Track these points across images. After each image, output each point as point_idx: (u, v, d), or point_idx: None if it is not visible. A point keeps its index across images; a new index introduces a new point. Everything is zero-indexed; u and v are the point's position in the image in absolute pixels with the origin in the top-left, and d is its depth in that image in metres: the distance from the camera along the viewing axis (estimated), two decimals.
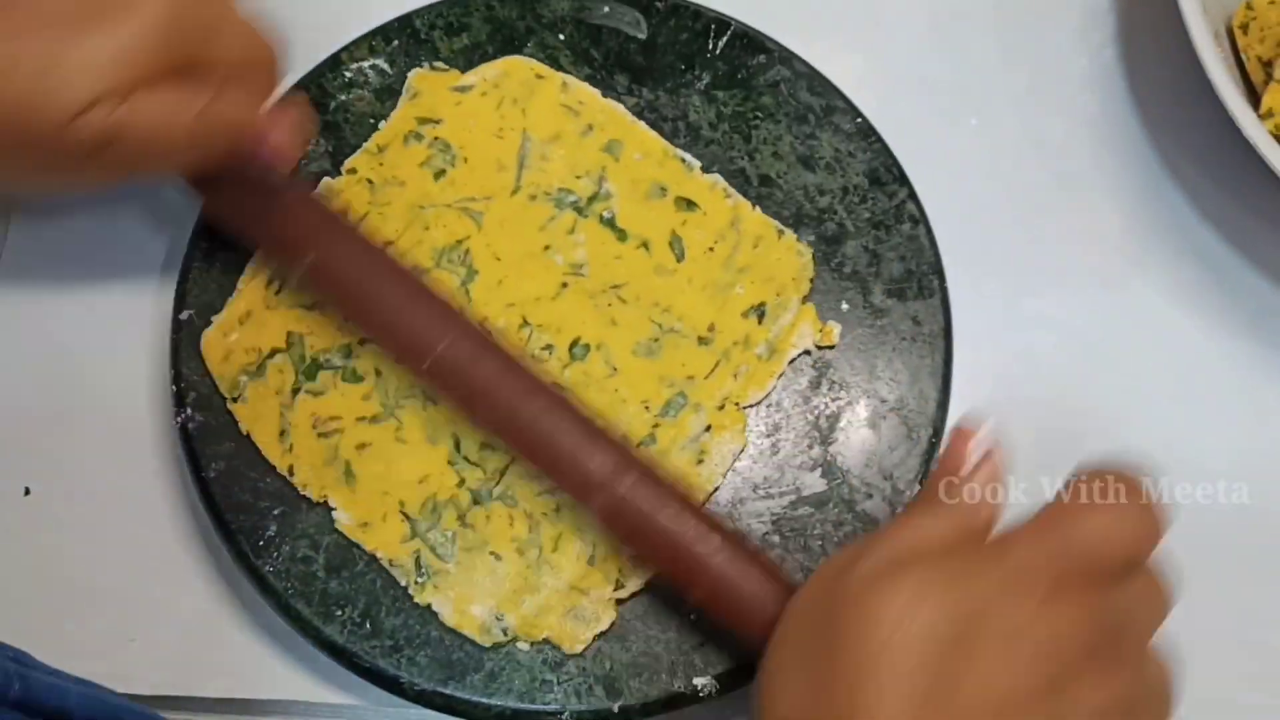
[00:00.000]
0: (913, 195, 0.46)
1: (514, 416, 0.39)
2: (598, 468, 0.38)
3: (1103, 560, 0.32)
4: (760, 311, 0.44)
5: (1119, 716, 0.31)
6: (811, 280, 0.45)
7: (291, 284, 0.44)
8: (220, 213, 0.44)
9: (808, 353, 0.44)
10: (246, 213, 0.43)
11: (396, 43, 0.48)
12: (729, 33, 0.48)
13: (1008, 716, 0.30)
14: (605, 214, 0.45)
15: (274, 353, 0.43)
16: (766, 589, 0.37)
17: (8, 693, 0.31)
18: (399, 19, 0.48)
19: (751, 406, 0.43)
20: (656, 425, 0.43)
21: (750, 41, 0.48)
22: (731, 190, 0.46)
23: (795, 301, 0.45)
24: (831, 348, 0.44)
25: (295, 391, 0.43)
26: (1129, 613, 0.33)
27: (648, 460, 0.39)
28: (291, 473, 0.42)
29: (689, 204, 0.46)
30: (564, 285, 0.44)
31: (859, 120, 0.47)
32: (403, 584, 0.41)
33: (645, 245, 0.45)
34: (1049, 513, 0.33)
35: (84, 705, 0.34)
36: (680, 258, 0.45)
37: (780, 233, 0.45)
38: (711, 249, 0.45)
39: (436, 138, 0.46)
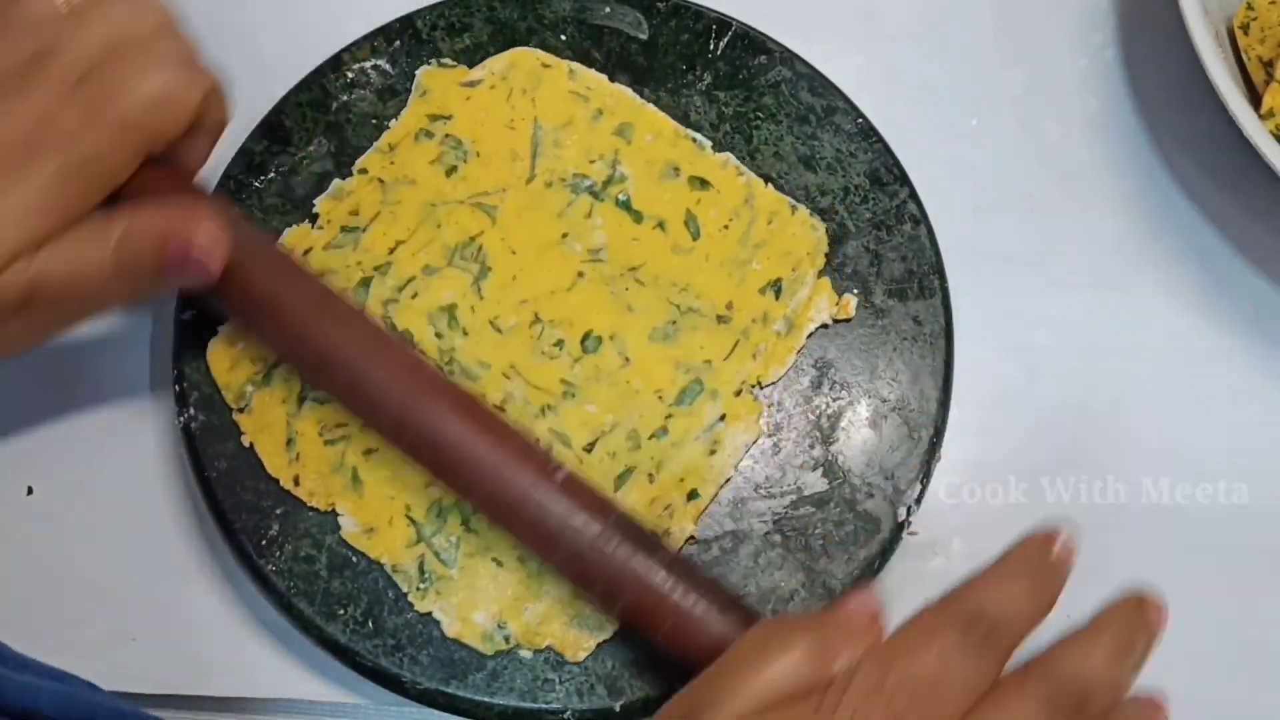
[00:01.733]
0: (914, 195, 0.46)
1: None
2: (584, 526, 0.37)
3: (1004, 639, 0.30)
4: (777, 287, 0.45)
5: None
6: (826, 255, 0.45)
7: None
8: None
9: (825, 326, 0.45)
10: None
11: (398, 43, 0.48)
12: (730, 33, 0.48)
13: None
14: (620, 196, 0.45)
15: (281, 361, 0.43)
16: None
17: None
18: (400, 19, 0.48)
19: (772, 385, 0.44)
20: (670, 415, 0.43)
21: (751, 42, 0.48)
22: (744, 168, 0.46)
23: (811, 275, 0.45)
24: (847, 321, 0.45)
25: (302, 400, 0.42)
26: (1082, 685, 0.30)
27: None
28: (297, 483, 0.42)
29: (702, 183, 0.46)
30: (580, 275, 0.44)
31: (860, 121, 0.47)
32: (404, 590, 0.41)
33: (661, 225, 0.45)
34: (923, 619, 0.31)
35: (57, 703, 0.33)
36: (696, 236, 0.45)
37: (794, 208, 0.46)
38: (727, 226, 0.45)
39: (448, 134, 0.46)
